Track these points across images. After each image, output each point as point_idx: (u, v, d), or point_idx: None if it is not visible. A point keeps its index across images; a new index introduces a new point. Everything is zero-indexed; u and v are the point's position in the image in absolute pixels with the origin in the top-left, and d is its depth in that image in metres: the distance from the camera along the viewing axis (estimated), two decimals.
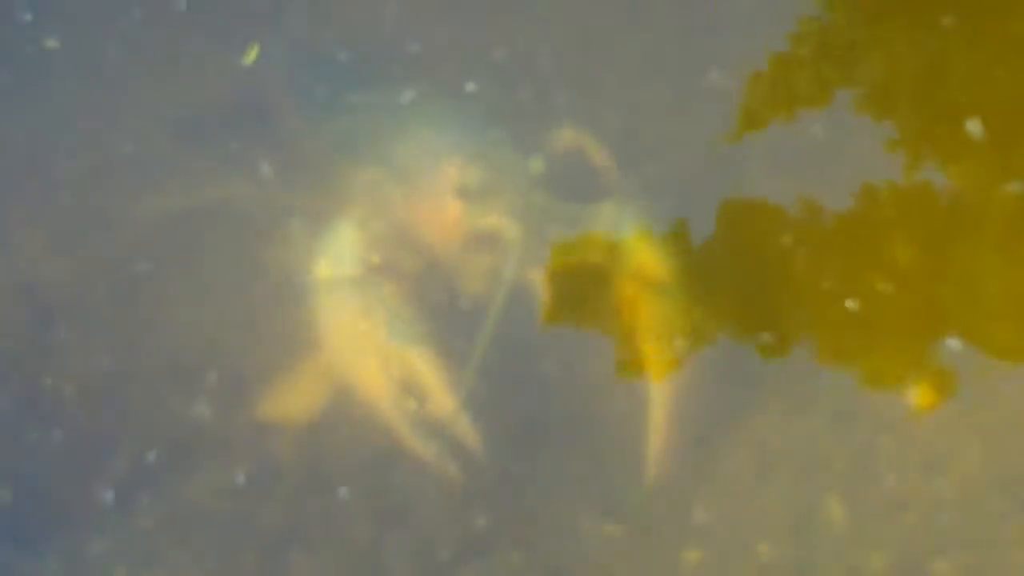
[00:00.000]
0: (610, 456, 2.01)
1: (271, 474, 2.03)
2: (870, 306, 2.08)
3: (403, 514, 1.99)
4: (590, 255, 2.12)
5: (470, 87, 2.31)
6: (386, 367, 2.00)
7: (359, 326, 2.03)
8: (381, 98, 2.28)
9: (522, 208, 2.10)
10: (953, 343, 2.06)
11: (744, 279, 2.13)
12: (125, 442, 2.04)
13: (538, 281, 2.10)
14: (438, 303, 2.08)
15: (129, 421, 2.07)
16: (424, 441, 1.99)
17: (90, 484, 2.02)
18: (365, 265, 2.08)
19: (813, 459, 2.01)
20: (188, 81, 2.35)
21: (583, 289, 2.11)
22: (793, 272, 2.13)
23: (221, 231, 2.21)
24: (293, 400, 2.07)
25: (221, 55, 2.35)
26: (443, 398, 1.99)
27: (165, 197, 2.23)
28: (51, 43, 2.37)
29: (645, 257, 2.09)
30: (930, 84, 2.27)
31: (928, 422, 2.02)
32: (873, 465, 2.01)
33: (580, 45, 2.39)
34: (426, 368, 2.00)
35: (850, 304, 2.07)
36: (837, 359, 2.08)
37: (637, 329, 2.05)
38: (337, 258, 2.09)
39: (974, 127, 2.19)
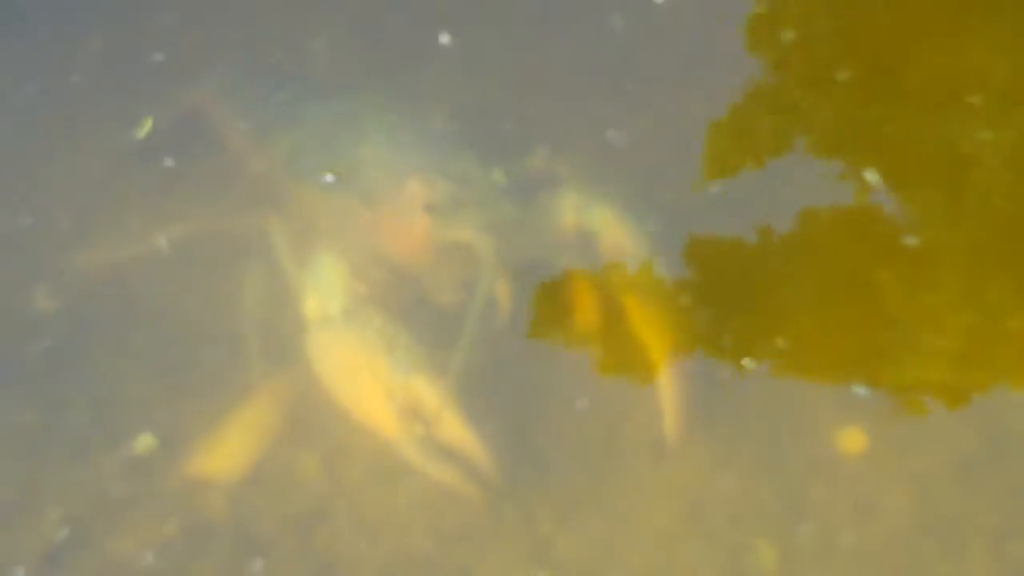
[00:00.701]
0: None
1: (202, 530, 2.02)
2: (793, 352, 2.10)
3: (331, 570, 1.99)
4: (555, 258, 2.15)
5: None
6: (392, 397, 1.99)
7: (358, 361, 2.02)
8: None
9: (492, 220, 2.10)
10: (861, 390, 2.06)
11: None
12: (51, 497, 2.04)
13: (510, 289, 2.10)
14: (427, 324, 2.07)
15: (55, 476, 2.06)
16: (437, 464, 1.98)
17: (19, 538, 2.01)
18: (354, 297, 2.07)
19: (744, 504, 2.00)
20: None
21: (551, 295, 2.14)
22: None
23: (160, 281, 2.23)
24: (224, 456, 2.06)
25: (116, 129, 2.36)
26: (451, 419, 1.99)
27: (96, 252, 2.24)
28: None
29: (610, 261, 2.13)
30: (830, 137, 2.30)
31: (857, 466, 2.02)
32: (803, 509, 2.00)
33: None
34: (430, 392, 1.99)
35: (747, 362, 2.07)
36: (766, 404, 2.08)
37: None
38: (324, 294, 2.07)
39: (872, 177, 2.21)
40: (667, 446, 2.02)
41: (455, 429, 1.98)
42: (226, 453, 2.06)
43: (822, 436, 2.04)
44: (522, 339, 2.13)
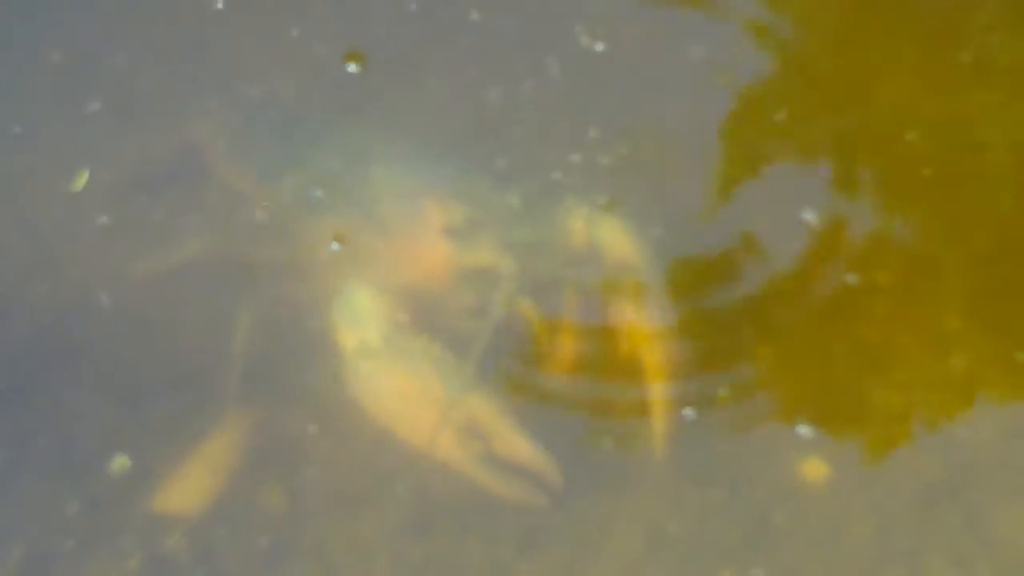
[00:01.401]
0: None
1: (164, 566, 2.01)
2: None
3: None
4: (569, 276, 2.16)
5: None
6: (448, 419, 1.99)
7: (410, 388, 2.02)
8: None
9: (510, 241, 2.12)
10: (821, 422, 2.08)
11: None
12: (10, 535, 2.03)
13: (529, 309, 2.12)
14: (464, 344, 2.07)
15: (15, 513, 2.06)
16: (500, 479, 1.98)
17: None
18: (394, 326, 2.08)
19: (707, 534, 2.00)
20: None
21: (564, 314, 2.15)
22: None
23: None
24: (186, 491, 2.06)
25: (50, 180, 2.36)
26: (508, 434, 2.00)
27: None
28: None
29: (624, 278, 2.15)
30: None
31: (820, 496, 2.02)
32: (767, 539, 2.00)
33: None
34: (486, 409, 2.00)
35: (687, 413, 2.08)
36: (731, 433, 2.08)
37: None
38: (363, 325, 2.07)
39: (809, 216, 2.24)
40: (652, 466, 2.04)
41: (513, 442, 1.99)
42: (189, 489, 2.06)
43: (785, 466, 2.05)
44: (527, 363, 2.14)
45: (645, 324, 2.12)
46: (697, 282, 2.19)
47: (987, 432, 2.07)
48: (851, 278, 2.19)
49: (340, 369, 2.06)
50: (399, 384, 2.03)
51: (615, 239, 2.18)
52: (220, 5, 2.57)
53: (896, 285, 2.21)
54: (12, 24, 2.55)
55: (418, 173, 2.25)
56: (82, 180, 2.33)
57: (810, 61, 2.51)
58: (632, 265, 2.16)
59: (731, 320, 2.16)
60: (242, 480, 2.07)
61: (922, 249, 2.25)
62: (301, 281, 2.20)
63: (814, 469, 2.04)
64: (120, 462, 2.08)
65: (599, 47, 2.49)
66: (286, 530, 2.02)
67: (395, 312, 2.09)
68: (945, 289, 2.20)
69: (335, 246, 2.18)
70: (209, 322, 2.20)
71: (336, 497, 2.05)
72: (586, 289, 2.16)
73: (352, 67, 2.46)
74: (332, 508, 2.04)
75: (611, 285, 2.15)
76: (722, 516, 2.01)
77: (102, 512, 2.05)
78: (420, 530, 2.02)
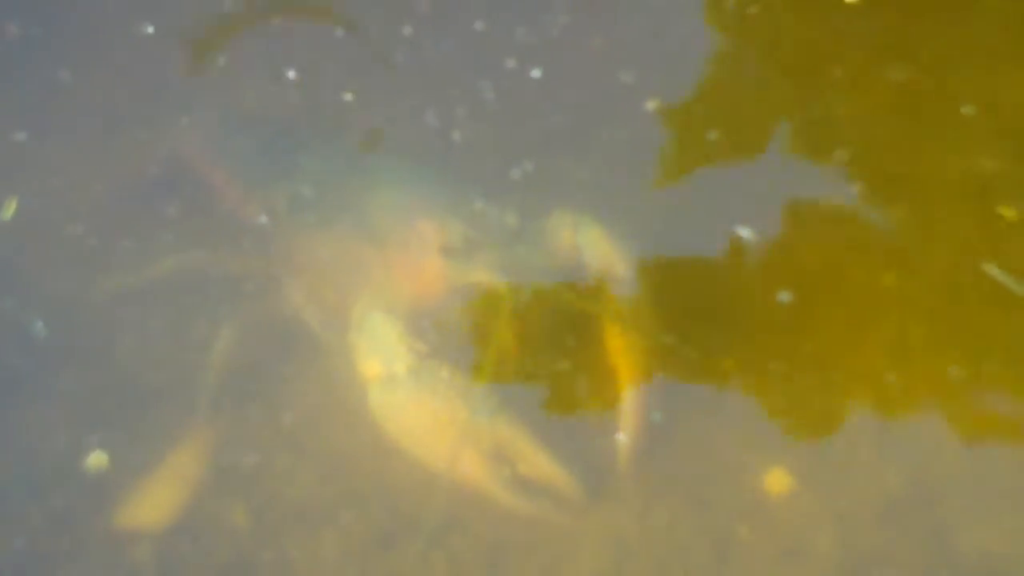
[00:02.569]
0: None
1: None
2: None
3: None
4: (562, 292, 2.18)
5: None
6: (478, 444, 2.01)
7: (438, 416, 2.03)
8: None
9: (507, 261, 2.14)
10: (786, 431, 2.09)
11: None
12: None
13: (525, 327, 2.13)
14: (478, 364, 2.10)
15: None
16: (528, 500, 1.99)
17: None
18: (416, 355, 2.08)
19: (673, 548, 2.01)
20: None
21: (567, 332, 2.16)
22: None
23: None
24: (151, 505, 2.05)
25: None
26: (535, 455, 2.01)
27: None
28: None
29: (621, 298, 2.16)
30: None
31: (783, 507, 2.03)
32: (733, 552, 2.01)
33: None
34: (512, 432, 2.02)
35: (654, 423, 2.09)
36: (694, 444, 2.09)
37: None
38: (385, 354, 2.08)
39: (744, 233, 2.25)
40: (619, 480, 2.04)
41: (538, 462, 2.01)
42: (154, 502, 2.05)
43: (749, 477, 2.05)
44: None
45: (621, 335, 2.12)
46: (664, 295, 2.19)
47: (951, 446, 2.07)
48: (785, 296, 2.20)
49: (361, 394, 2.08)
50: (426, 412, 2.04)
51: (599, 248, 2.19)
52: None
53: (858, 295, 2.21)
54: None
55: (413, 189, 2.27)
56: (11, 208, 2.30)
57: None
58: (614, 275, 2.17)
59: (696, 332, 2.16)
60: (207, 495, 2.06)
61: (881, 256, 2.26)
62: (282, 296, 2.21)
63: (778, 481, 2.04)
64: (89, 468, 2.07)
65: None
66: (250, 545, 2.02)
67: (414, 341, 2.09)
68: (907, 302, 2.20)
69: (324, 257, 2.20)
70: (183, 335, 2.21)
71: (300, 513, 2.05)
72: (574, 303, 2.16)
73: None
74: (296, 524, 2.04)
75: (598, 297, 2.16)
76: (688, 529, 2.02)
77: (66, 524, 2.04)
78: (385, 546, 2.01)
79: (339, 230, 2.23)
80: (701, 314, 2.18)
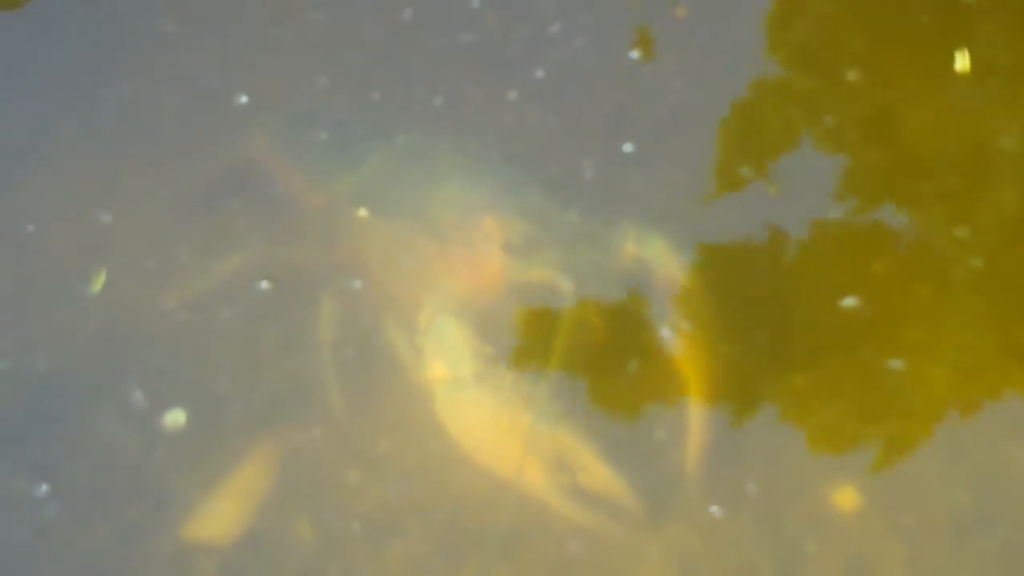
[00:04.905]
0: None
1: None
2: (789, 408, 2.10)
3: None
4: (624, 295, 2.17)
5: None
6: (540, 452, 2.00)
7: (501, 421, 2.03)
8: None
9: (569, 260, 2.13)
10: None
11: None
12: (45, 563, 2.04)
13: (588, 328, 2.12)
14: (541, 369, 2.09)
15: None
16: (586, 511, 1.99)
17: None
18: (483, 359, 2.08)
19: (740, 563, 2.00)
20: None
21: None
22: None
23: None
24: (217, 518, 2.06)
25: (67, 283, 2.32)
26: (594, 465, 2.00)
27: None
28: None
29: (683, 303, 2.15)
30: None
31: (853, 524, 2.02)
32: (799, 569, 2.00)
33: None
34: (574, 442, 2.01)
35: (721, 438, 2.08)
36: (762, 460, 2.07)
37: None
38: (452, 357, 2.08)
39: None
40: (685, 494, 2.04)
41: (599, 473, 2.00)
42: (220, 517, 2.06)
43: (816, 494, 2.04)
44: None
45: (690, 346, 2.11)
46: (734, 308, 2.17)
47: (1018, 464, 2.05)
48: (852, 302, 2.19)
49: (425, 396, 2.08)
50: (489, 416, 2.04)
51: (664, 260, 2.17)
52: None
53: (928, 306, 2.19)
54: None
55: (478, 185, 2.26)
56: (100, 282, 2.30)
57: None
58: (680, 286, 2.15)
59: (764, 346, 2.14)
60: (273, 508, 2.06)
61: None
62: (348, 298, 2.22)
63: (846, 498, 2.03)
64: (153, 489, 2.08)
65: None
66: (315, 559, 2.02)
67: (480, 343, 2.09)
68: (978, 315, 2.18)
69: (388, 255, 2.20)
70: (244, 341, 2.21)
71: (365, 527, 2.05)
72: (637, 309, 2.15)
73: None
74: (362, 538, 2.04)
75: (659, 306, 2.15)
76: (754, 546, 2.01)
77: (134, 540, 2.05)
78: (450, 560, 2.01)
79: (403, 226, 2.23)
80: (769, 327, 2.17)
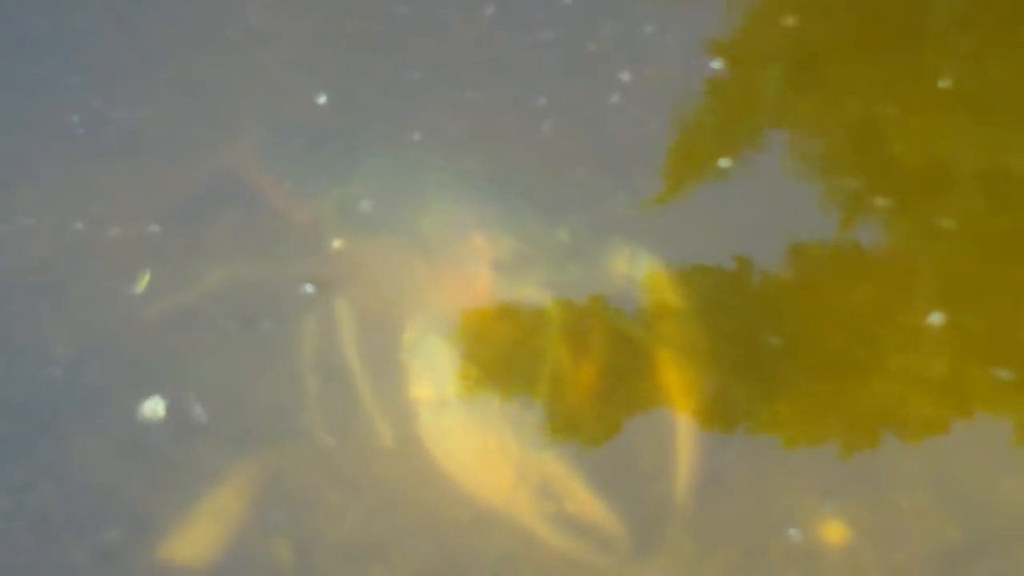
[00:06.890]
0: None
1: None
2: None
3: None
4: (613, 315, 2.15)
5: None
6: (525, 478, 1.98)
7: (487, 444, 2.00)
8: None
9: (557, 278, 2.12)
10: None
11: None
12: None
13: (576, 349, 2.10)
14: (534, 390, 2.07)
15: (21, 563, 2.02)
16: (571, 539, 1.96)
17: None
18: (471, 381, 2.06)
19: None
20: None
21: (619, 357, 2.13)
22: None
23: None
24: (195, 541, 2.02)
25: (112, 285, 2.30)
26: (581, 493, 1.98)
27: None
28: None
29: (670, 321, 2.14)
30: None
31: (840, 559, 1.99)
32: None
33: None
34: (561, 469, 1.99)
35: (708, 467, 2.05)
36: (747, 494, 2.05)
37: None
38: (438, 378, 2.06)
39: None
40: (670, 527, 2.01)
41: (584, 501, 1.97)
42: (198, 539, 2.02)
43: (803, 526, 2.02)
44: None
45: (678, 370, 2.08)
46: (724, 330, 2.15)
47: (1009, 496, 2.04)
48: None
49: (410, 417, 2.05)
50: (475, 440, 2.01)
51: (654, 279, 2.15)
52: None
53: (913, 338, 2.17)
54: None
55: (468, 203, 2.23)
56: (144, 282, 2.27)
57: None
58: (671, 309, 2.12)
59: (752, 374, 2.12)
60: (252, 531, 2.03)
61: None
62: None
63: (833, 531, 2.01)
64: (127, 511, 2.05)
65: None
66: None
67: (468, 364, 2.06)
68: (968, 345, 2.16)
69: (375, 271, 2.18)
70: (223, 359, 2.18)
71: (347, 551, 2.02)
72: (626, 331, 2.12)
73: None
74: (343, 563, 2.01)
75: (650, 328, 2.12)
76: None
77: (110, 562, 2.01)
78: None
79: (391, 241, 2.20)
80: (758, 352, 2.14)
